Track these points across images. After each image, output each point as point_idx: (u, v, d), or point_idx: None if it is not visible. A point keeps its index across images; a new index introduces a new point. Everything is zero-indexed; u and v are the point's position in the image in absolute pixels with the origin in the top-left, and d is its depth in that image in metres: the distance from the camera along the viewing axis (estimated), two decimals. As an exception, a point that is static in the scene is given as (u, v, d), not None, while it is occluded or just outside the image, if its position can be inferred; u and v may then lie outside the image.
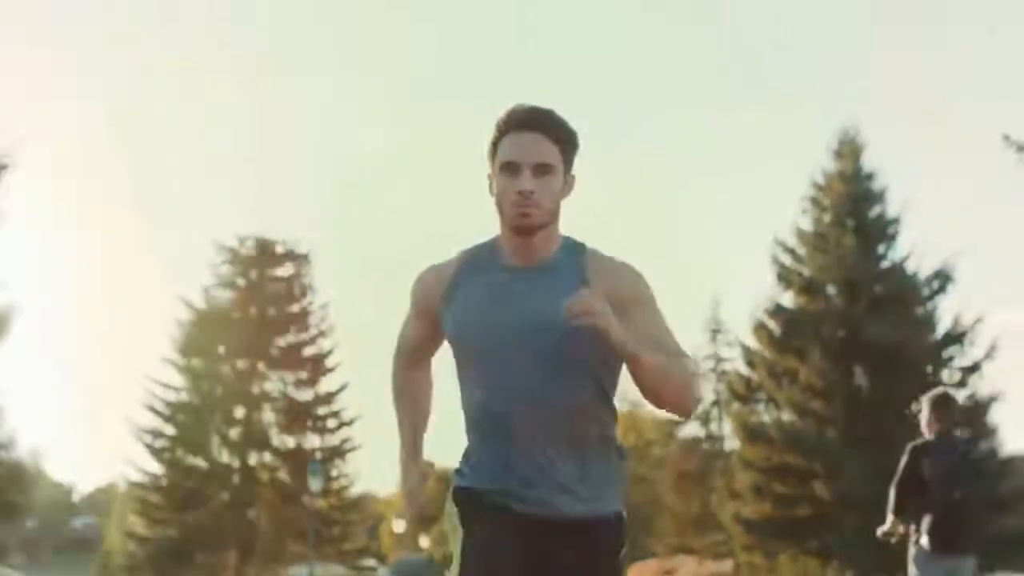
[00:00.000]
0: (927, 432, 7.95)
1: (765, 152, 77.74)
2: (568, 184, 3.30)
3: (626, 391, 28.75)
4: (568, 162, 3.28)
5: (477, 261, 3.35)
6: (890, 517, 7.95)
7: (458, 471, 3.38)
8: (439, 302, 3.36)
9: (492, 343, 3.23)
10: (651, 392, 3.14)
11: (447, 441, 3.77)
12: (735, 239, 72.79)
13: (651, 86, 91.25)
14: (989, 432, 31.80)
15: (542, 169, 3.20)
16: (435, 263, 3.45)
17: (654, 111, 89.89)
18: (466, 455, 3.36)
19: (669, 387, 3.13)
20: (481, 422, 3.28)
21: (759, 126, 79.58)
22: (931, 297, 31.81)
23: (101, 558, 55.63)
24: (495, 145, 3.26)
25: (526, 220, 3.20)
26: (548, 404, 3.20)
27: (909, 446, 7.99)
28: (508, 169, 3.21)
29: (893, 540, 7.98)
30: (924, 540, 7.83)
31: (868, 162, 32.79)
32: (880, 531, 8.05)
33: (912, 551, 7.95)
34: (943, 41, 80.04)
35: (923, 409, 8.03)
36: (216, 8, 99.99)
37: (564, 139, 3.25)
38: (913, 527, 7.94)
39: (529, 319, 3.21)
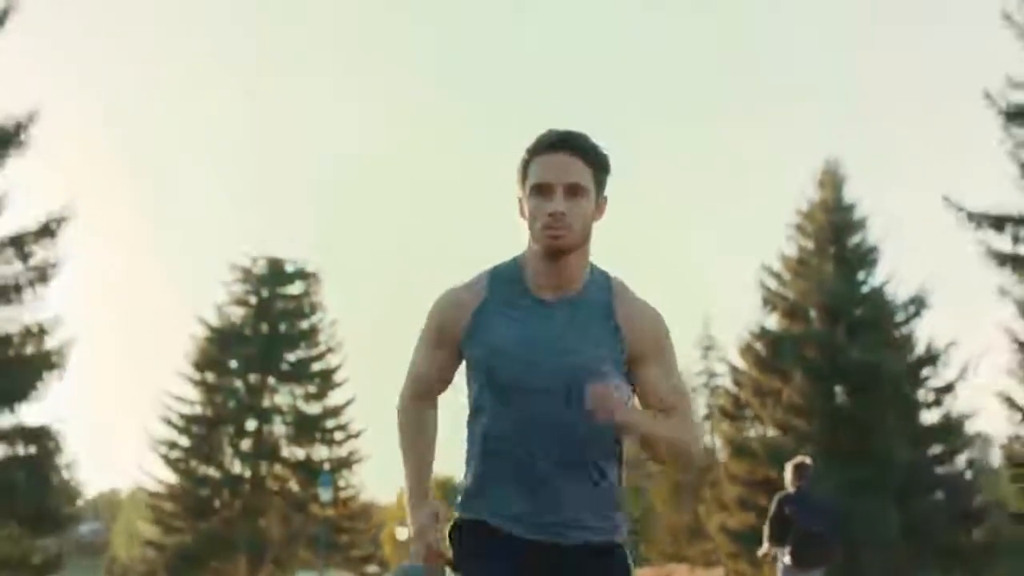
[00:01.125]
0: (790, 487, 11.48)
1: (761, 175, 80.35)
2: (600, 208, 3.32)
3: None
4: (600, 185, 3.30)
5: (505, 288, 3.35)
6: (766, 544, 11.58)
7: (463, 504, 3.43)
8: (464, 330, 3.35)
9: (522, 378, 3.23)
10: (655, 455, 3.33)
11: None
12: (731, 259, 75.37)
13: (649, 104, 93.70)
14: (962, 447, 34.10)
15: (574, 190, 3.22)
16: (454, 287, 3.42)
17: (654, 128, 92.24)
18: (472, 487, 3.38)
19: (673, 455, 3.31)
20: (500, 454, 3.28)
21: (755, 150, 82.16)
22: (907, 321, 34.06)
23: (108, 563, 57.52)
24: (526, 167, 3.27)
25: (557, 243, 3.22)
26: (572, 441, 3.24)
27: (776, 496, 11.51)
28: (539, 191, 3.23)
29: (768, 559, 11.77)
30: (787, 559, 11.39)
31: (849, 193, 35.13)
32: (759, 552, 11.76)
33: (780, 566, 11.54)
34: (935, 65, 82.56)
35: (787, 472, 11.46)
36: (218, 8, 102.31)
37: (596, 162, 3.27)
38: (780, 551, 11.52)
39: (563, 359, 3.23)
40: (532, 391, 3.22)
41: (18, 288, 19.77)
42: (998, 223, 28.57)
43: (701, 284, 78.89)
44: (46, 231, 19.82)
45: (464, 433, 3.45)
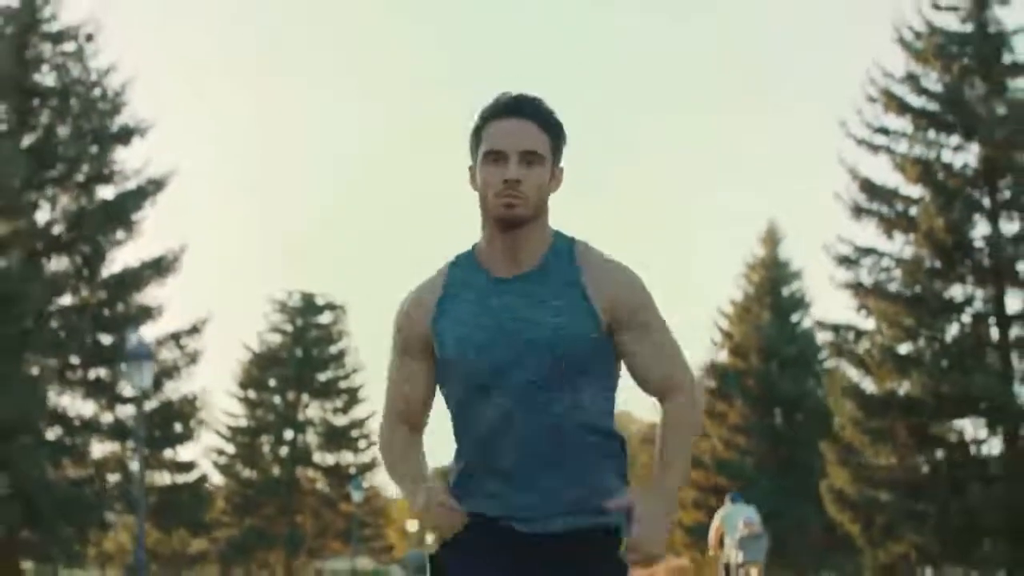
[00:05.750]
0: (728, 502, 18.06)
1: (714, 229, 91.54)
2: (556, 177, 3.20)
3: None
4: (557, 153, 3.19)
5: (462, 273, 3.23)
6: (712, 546, 17.75)
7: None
8: (429, 326, 3.22)
9: (494, 365, 3.13)
10: None
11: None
12: (686, 305, 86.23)
13: (622, 134, 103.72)
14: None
15: (529, 158, 3.11)
16: (414, 288, 3.31)
17: (627, 161, 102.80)
18: (455, 480, 3.27)
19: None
20: (476, 444, 3.19)
21: (716, 203, 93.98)
22: (829, 357, 44.26)
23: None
24: (478, 133, 3.17)
25: (511, 211, 3.10)
26: (546, 421, 3.12)
27: (718, 512, 17.99)
28: (492, 158, 3.12)
29: (714, 555, 18.10)
30: (734, 555, 17.50)
31: (785, 250, 45.44)
32: (709, 553, 18.63)
33: (722, 563, 17.69)
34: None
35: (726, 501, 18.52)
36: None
37: (553, 129, 3.17)
38: (723, 551, 17.81)
39: (520, 338, 3.12)
40: (506, 375, 3.11)
41: (177, 368, 30.41)
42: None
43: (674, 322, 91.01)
44: (194, 329, 30.22)
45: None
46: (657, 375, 3.20)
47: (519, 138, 3.12)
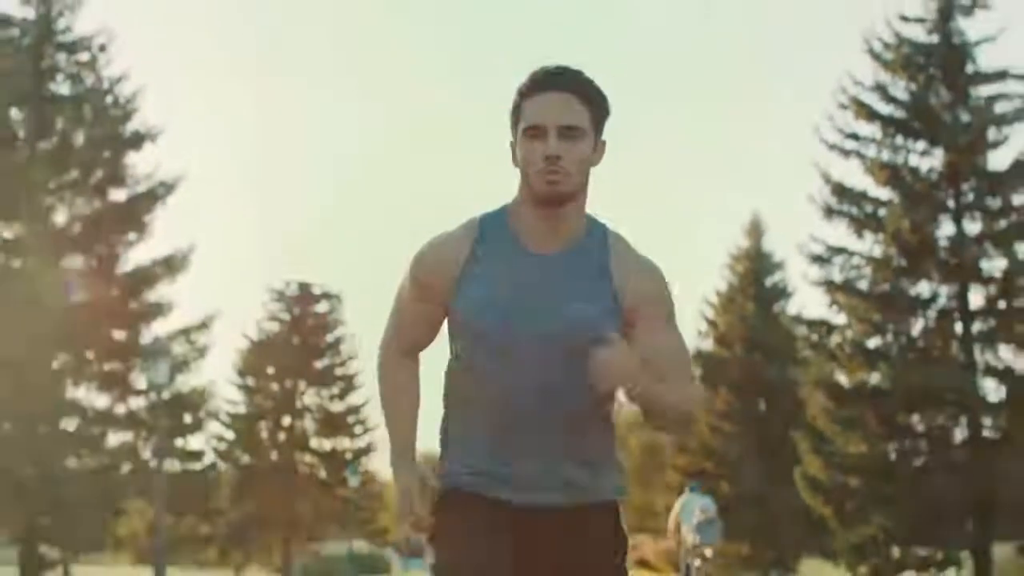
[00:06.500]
0: (687, 492, 20.43)
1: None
2: (599, 151, 3.19)
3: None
4: (599, 126, 3.18)
5: (494, 237, 3.23)
6: (670, 531, 19.82)
7: (445, 470, 3.32)
8: (452, 281, 3.22)
9: (514, 336, 3.15)
10: (656, 420, 3.24)
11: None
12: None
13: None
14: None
15: (571, 132, 3.10)
16: (435, 241, 3.29)
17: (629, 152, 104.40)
18: (454, 449, 3.30)
19: (674, 420, 3.23)
20: (488, 413, 3.21)
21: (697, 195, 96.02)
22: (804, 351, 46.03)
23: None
24: (517, 109, 3.16)
25: (553, 188, 3.09)
26: (565, 400, 3.17)
27: (678, 501, 20.11)
28: (533, 133, 3.10)
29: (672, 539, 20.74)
30: (691, 539, 19.50)
31: (768, 242, 47.45)
32: (667, 537, 21.12)
33: (685, 548, 19.64)
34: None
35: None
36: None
37: (594, 100, 3.16)
38: (680, 535, 19.90)
39: (556, 316, 3.14)
40: (523, 349, 3.14)
41: (187, 362, 32.38)
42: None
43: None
44: (203, 324, 32.18)
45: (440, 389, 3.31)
46: (657, 364, 3.21)
47: (559, 112, 3.12)
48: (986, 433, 29.88)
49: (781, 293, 46.87)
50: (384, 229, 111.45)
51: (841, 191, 30.78)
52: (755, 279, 46.55)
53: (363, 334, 77.78)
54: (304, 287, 54.16)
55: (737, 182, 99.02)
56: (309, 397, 52.55)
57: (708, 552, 19.61)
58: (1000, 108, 30.14)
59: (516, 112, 3.18)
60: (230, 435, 51.77)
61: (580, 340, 3.13)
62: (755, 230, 47.29)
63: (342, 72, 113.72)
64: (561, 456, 3.22)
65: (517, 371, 3.18)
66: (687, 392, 3.24)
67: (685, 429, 3.32)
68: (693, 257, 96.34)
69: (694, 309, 47.53)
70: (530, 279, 3.19)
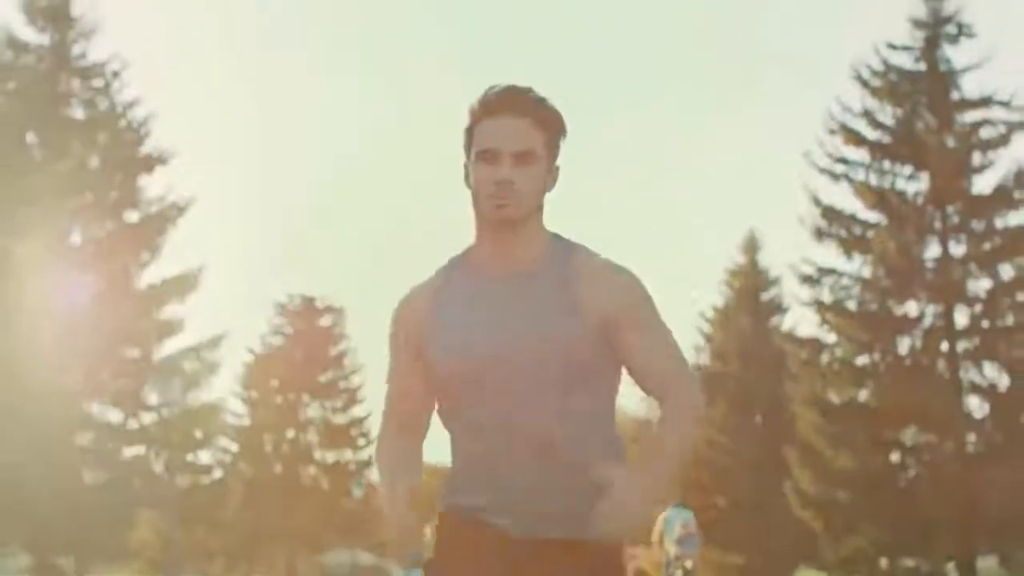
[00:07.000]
0: (671, 508, 19.95)
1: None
2: (553, 175, 3.17)
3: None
4: (553, 149, 3.15)
5: (455, 274, 3.22)
6: (654, 543, 20.08)
7: (443, 497, 3.29)
8: (425, 329, 3.21)
9: (470, 366, 3.12)
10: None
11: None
12: (671, 308, 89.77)
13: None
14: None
15: (523, 157, 3.07)
16: (410, 290, 3.29)
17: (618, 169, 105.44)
18: (448, 482, 3.27)
19: (684, 463, 3.22)
20: (469, 448, 3.19)
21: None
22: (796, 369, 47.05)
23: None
24: (470, 131, 3.13)
25: (503, 212, 3.08)
26: (536, 426, 3.09)
27: (662, 515, 19.85)
28: (485, 158, 3.08)
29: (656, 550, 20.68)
30: (673, 550, 20.09)
31: (764, 258, 48.55)
32: (651, 547, 21.15)
33: (667, 559, 20.13)
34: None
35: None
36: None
37: (548, 122, 3.13)
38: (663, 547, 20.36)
39: (508, 339, 3.10)
40: (488, 377, 3.10)
41: (196, 380, 33.29)
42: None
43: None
44: (214, 343, 33.42)
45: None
46: (655, 375, 3.17)
47: (512, 137, 3.08)
48: (971, 449, 30.97)
49: (777, 309, 47.96)
50: (389, 244, 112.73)
51: (831, 214, 31.91)
52: (751, 295, 47.61)
53: (366, 347, 78.39)
54: (307, 300, 54.60)
55: (734, 199, 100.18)
56: (313, 410, 52.98)
57: (689, 564, 20.60)
58: (984, 134, 31.31)
59: (469, 134, 3.15)
60: (234, 447, 52.25)
61: (544, 359, 3.11)
62: (751, 247, 48.33)
63: (352, 96, 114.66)
64: (551, 486, 3.15)
65: (488, 399, 3.14)
66: (679, 437, 3.19)
67: (691, 449, 3.36)
68: (690, 272, 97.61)
69: (691, 324, 48.63)
70: (489, 306, 3.17)
